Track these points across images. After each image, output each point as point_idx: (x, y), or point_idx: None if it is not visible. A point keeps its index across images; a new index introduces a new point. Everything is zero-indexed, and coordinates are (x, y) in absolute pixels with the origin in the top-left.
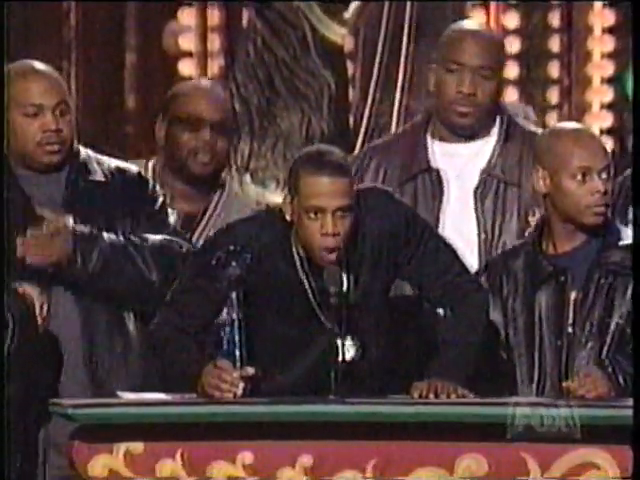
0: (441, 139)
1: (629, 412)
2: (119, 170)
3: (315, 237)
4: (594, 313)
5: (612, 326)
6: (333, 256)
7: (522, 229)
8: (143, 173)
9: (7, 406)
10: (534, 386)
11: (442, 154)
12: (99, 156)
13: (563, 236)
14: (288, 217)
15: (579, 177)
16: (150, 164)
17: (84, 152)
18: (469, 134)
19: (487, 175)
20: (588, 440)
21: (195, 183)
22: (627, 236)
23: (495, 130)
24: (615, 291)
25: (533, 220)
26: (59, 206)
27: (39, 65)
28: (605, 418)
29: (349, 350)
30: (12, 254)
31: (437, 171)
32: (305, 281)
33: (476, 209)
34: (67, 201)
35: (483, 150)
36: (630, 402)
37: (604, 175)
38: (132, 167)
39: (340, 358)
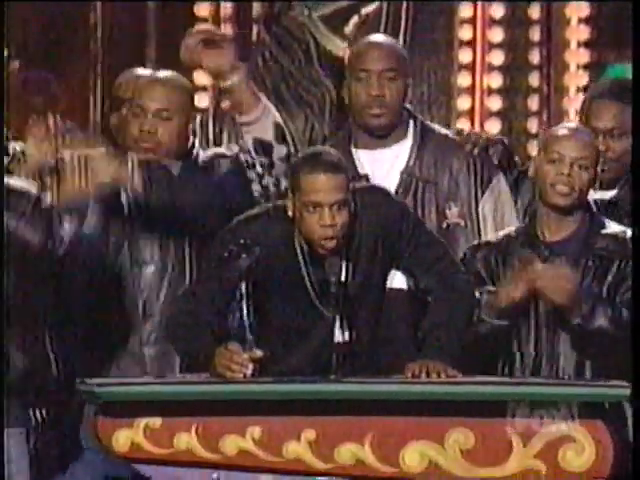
0: (364, 147)
1: (604, 390)
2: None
3: (315, 229)
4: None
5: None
6: (332, 244)
7: (440, 222)
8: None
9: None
10: (530, 360)
11: (367, 161)
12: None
13: (552, 225)
14: (290, 213)
15: (553, 160)
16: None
17: (195, 152)
18: (384, 134)
19: (407, 175)
20: (565, 415)
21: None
22: (609, 225)
23: (410, 133)
24: (599, 272)
25: (449, 214)
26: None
27: (164, 74)
28: (582, 396)
29: (344, 334)
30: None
31: (366, 176)
32: (305, 272)
33: None
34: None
35: (401, 152)
36: (602, 382)
37: (576, 165)
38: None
39: (338, 342)
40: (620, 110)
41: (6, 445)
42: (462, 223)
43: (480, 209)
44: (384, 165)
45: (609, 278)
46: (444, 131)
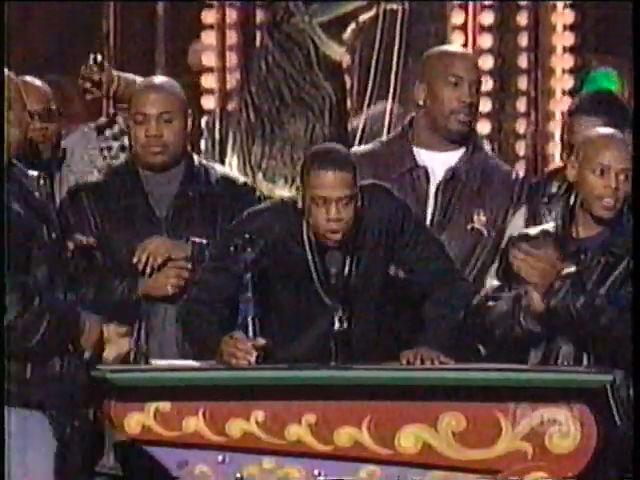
0: (423, 147)
1: (589, 376)
2: (225, 180)
3: (321, 222)
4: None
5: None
6: (337, 237)
7: (465, 225)
8: (249, 183)
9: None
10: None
11: (425, 157)
12: (210, 165)
13: (585, 224)
14: (299, 204)
15: (598, 172)
16: None
17: (197, 161)
18: (460, 139)
19: (452, 174)
20: (551, 400)
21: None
22: (630, 226)
23: (466, 145)
24: (607, 268)
25: (476, 219)
26: (170, 207)
27: (155, 79)
28: (567, 381)
29: (343, 323)
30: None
31: (424, 168)
32: (312, 263)
33: (435, 198)
34: (176, 207)
35: (453, 159)
36: (586, 369)
37: (622, 176)
38: (239, 178)
39: (338, 330)
40: (593, 125)
41: (24, 430)
42: (485, 232)
43: (510, 222)
44: (439, 165)
45: (615, 274)
46: (490, 149)
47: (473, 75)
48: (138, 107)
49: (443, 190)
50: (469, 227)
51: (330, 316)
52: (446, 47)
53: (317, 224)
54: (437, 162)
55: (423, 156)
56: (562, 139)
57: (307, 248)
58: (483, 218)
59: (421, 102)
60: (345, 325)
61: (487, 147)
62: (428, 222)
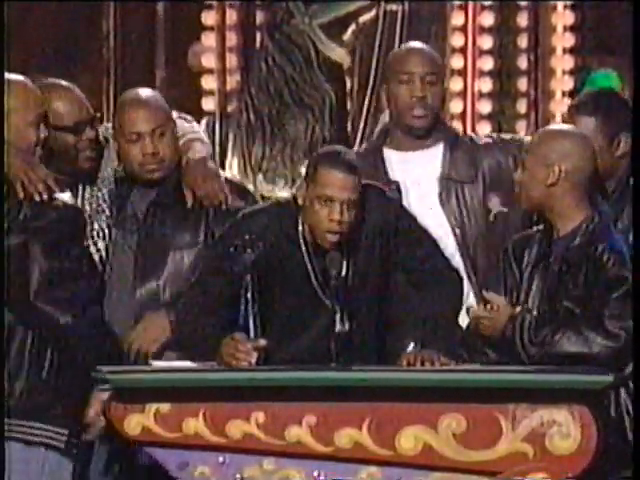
0: (397, 148)
1: (589, 378)
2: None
3: (323, 221)
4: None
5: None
6: (336, 238)
7: (486, 216)
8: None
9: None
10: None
11: (398, 162)
12: None
13: (562, 220)
14: (300, 201)
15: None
16: None
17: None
18: (423, 134)
19: (445, 180)
20: (551, 401)
21: None
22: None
23: (442, 139)
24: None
25: (492, 205)
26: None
27: (141, 94)
28: (567, 383)
29: (344, 324)
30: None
31: (397, 183)
32: (309, 264)
33: (444, 211)
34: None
35: (434, 157)
36: (586, 369)
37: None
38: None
39: (338, 332)
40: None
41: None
42: (505, 209)
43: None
44: (416, 168)
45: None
46: (468, 134)
47: (424, 68)
48: (129, 126)
49: (446, 200)
50: (492, 218)
51: (330, 317)
52: (403, 45)
53: (317, 223)
54: (411, 164)
55: (395, 161)
56: None
57: (304, 250)
58: (497, 198)
59: (386, 102)
60: (346, 327)
61: (459, 131)
62: (459, 242)
